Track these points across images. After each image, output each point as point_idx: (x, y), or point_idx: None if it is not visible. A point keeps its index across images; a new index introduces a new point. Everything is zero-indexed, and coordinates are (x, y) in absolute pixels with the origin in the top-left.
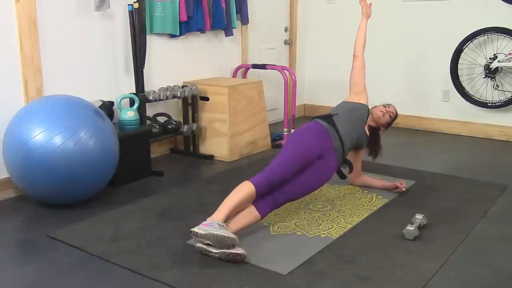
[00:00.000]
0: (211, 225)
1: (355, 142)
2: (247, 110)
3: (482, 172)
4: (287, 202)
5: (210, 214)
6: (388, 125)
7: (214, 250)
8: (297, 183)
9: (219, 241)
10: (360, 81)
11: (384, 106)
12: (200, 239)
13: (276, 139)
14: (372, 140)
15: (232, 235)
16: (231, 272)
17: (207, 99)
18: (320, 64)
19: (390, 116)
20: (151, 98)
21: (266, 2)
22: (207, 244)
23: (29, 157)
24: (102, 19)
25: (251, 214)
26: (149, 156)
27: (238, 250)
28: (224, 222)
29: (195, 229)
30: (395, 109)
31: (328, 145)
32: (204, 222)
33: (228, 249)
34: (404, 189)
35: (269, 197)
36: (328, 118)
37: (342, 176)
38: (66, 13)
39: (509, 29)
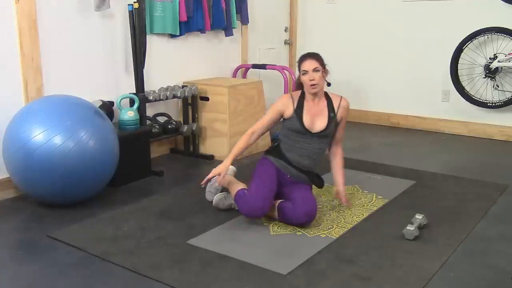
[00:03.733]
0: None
1: (319, 153)
2: (247, 110)
3: (482, 172)
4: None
5: (210, 214)
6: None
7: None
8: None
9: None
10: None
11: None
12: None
13: (276, 139)
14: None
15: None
16: (231, 272)
17: (207, 99)
18: None
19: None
20: (151, 98)
21: (266, 2)
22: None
23: (29, 157)
24: (102, 19)
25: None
26: (149, 156)
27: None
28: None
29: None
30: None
31: (284, 179)
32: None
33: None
34: (346, 204)
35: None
36: (275, 150)
37: (319, 186)
38: (66, 13)
39: (509, 29)
